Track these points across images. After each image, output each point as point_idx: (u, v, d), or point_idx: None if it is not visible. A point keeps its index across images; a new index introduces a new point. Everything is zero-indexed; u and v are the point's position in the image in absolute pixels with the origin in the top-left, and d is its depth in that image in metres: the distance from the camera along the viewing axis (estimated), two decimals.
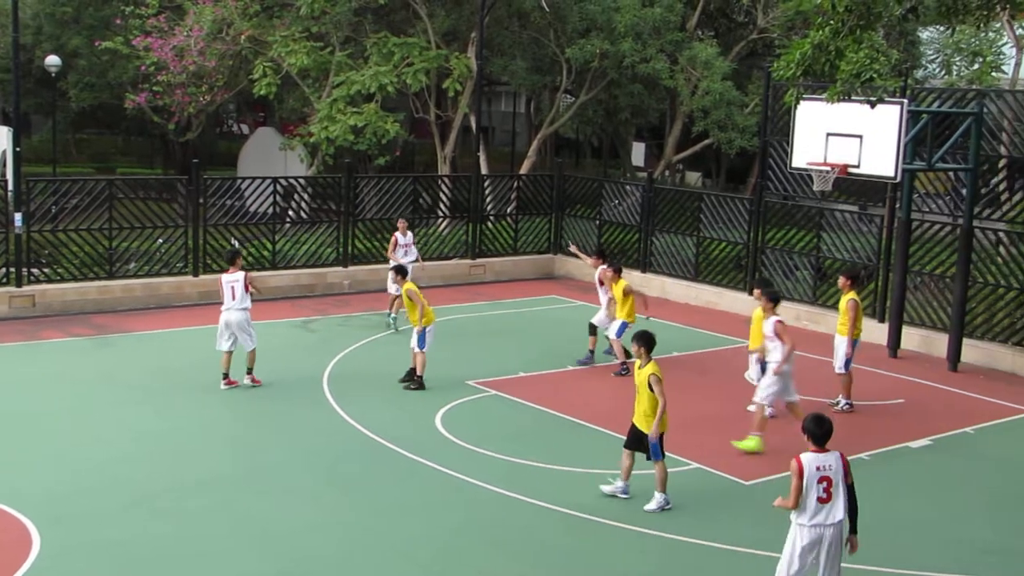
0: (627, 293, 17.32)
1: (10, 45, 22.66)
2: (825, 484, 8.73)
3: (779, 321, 14.33)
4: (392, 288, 19.21)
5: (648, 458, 11.73)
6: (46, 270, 20.87)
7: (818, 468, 8.75)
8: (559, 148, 45.86)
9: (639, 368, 11.87)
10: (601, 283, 17.86)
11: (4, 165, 25.79)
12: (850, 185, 20.44)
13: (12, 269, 20.19)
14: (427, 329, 16.02)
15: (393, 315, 19.77)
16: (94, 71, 35.50)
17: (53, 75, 34.88)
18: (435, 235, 25.91)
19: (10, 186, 20.19)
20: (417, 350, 16.11)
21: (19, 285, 20.20)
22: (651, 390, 11.59)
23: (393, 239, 20.75)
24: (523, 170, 31.00)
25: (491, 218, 26.91)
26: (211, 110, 32.46)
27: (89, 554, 10.39)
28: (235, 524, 11.17)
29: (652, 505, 11.82)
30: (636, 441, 11.92)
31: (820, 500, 8.72)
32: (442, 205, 26.70)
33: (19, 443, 13.34)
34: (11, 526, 10.87)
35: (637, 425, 11.85)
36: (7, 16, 22.13)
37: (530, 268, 26.40)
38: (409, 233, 20.99)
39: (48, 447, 13.24)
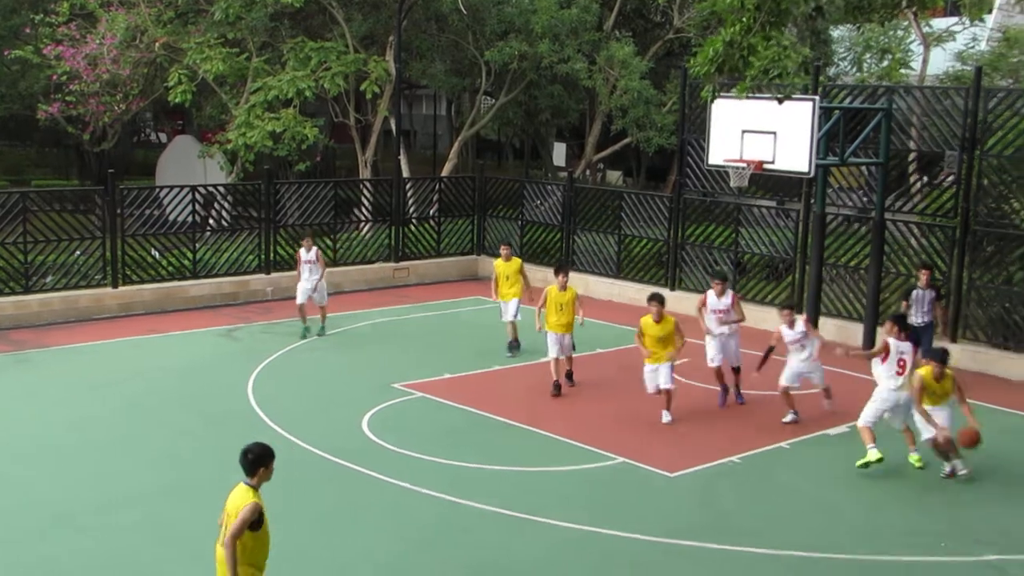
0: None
1: None
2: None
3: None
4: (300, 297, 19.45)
5: None
6: None
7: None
8: (481, 150, 45.96)
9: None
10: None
11: None
12: (766, 181, 20.87)
13: None
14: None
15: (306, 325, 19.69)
16: (4, 81, 34.73)
17: None
18: (358, 239, 25.86)
19: None
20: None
21: None
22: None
23: (297, 255, 20.05)
24: (445, 172, 31.03)
25: (414, 221, 26.91)
26: (127, 119, 31.95)
27: (13, 574, 10.22)
28: (161, 539, 11.05)
29: None
30: None
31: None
32: (364, 209, 26.65)
33: None
34: None
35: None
36: None
37: (454, 270, 26.46)
38: (315, 249, 19.83)
39: None
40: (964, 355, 18.15)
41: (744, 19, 11.90)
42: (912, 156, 20.79)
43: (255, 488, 8.07)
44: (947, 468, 13.01)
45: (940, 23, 29.17)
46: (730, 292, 16.10)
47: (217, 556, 8.06)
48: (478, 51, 29.36)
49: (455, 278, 26.12)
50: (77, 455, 13.46)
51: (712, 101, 17.57)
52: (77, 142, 33.37)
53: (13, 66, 32.00)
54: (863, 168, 20.54)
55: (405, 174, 28.68)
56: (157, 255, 22.83)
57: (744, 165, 17.74)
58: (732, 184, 18.74)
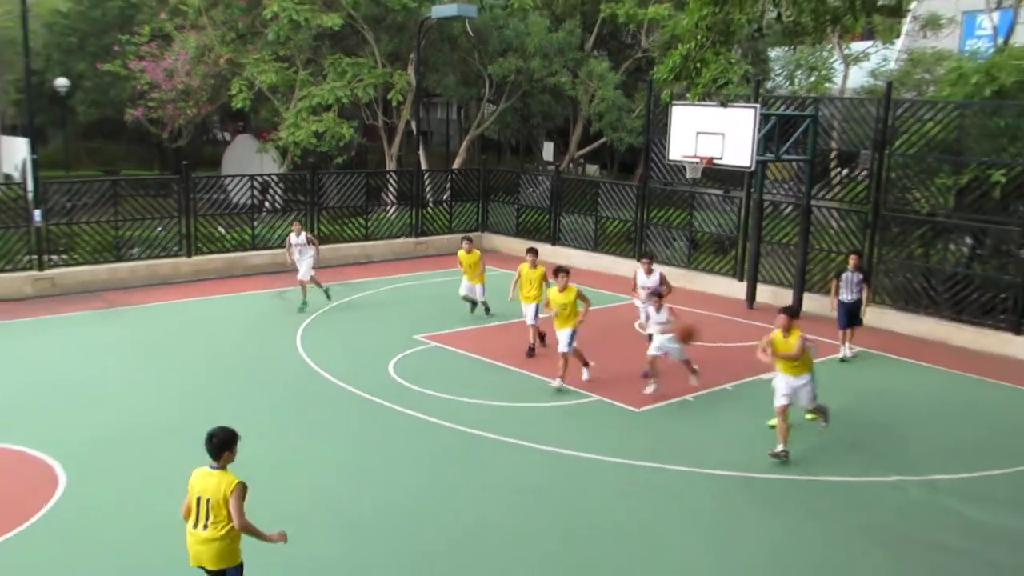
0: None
1: (24, 71, 21.99)
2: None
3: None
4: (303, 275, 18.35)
5: None
6: (63, 256, 20.39)
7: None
8: (484, 147, 45.64)
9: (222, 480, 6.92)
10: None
11: (24, 170, 25.07)
12: (716, 173, 20.78)
13: (34, 256, 19.72)
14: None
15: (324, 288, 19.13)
16: (98, 90, 34.60)
17: (63, 94, 33.94)
18: (385, 218, 25.82)
19: (30, 187, 19.69)
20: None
21: (41, 269, 19.72)
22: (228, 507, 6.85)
23: (288, 240, 18.84)
24: (455, 165, 30.90)
25: (430, 204, 26.83)
26: (197, 121, 31.82)
27: (105, 489, 10.27)
28: None
29: None
30: None
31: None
32: (390, 194, 26.57)
33: (45, 399, 13.10)
34: (40, 467, 10.72)
35: (200, 564, 6.98)
36: (20, 46, 21.45)
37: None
38: (304, 234, 18.66)
39: (69, 401, 13.01)
40: (873, 316, 18.13)
41: (698, 37, 11.84)
42: (833, 154, 20.73)
43: (223, 470, 6.90)
44: (779, 447, 11.34)
45: (858, 46, 28.96)
46: (658, 271, 14.95)
47: (203, 537, 6.85)
48: (482, 66, 29.17)
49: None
50: (157, 390, 13.49)
51: (671, 103, 17.52)
52: (157, 140, 33.24)
53: (105, 77, 31.84)
54: (794, 163, 20.48)
55: (423, 166, 28.56)
56: (223, 231, 22.77)
57: (698, 160, 17.70)
58: (688, 176, 18.68)
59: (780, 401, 11.39)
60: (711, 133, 17.48)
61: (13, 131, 35.96)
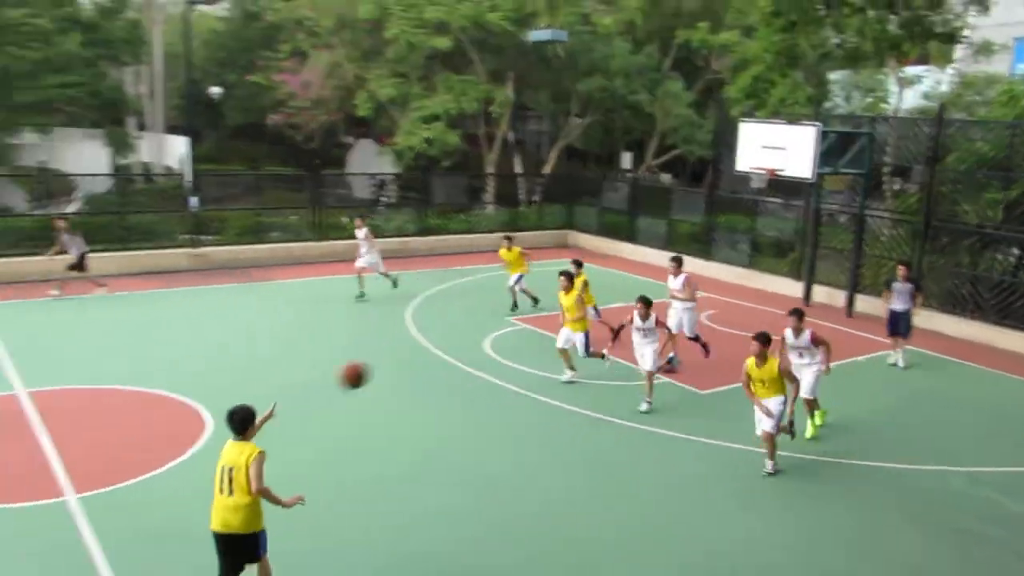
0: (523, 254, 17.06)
1: (186, 82, 22.70)
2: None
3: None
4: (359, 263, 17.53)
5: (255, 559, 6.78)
6: (214, 236, 21.03)
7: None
8: (571, 155, 45.26)
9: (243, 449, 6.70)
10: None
11: (183, 164, 25.93)
12: (778, 183, 20.17)
13: (190, 236, 20.38)
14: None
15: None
16: (245, 98, 35.50)
17: (217, 100, 34.98)
18: (484, 216, 25.88)
19: (188, 178, 20.35)
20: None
21: (195, 247, 20.37)
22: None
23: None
24: (546, 171, 30.78)
25: (524, 204, 26.78)
26: (327, 126, 32.40)
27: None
28: (338, 409, 11.22)
29: None
30: (234, 552, 6.68)
31: None
32: (489, 194, 26.63)
33: (195, 355, 13.53)
34: (190, 412, 11.09)
35: (229, 530, 6.61)
36: (183, 60, 22.31)
37: (551, 239, 26.31)
38: (365, 229, 17.57)
39: (215, 357, 13.43)
40: (922, 319, 17.34)
41: (767, 61, 11.54)
42: (887, 169, 19.94)
43: (245, 442, 6.67)
44: (768, 465, 9.94)
45: (913, 69, 27.74)
46: (684, 274, 13.57)
47: (231, 504, 6.55)
48: (571, 84, 28.94)
49: (552, 245, 25.96)
50: (288, 351, 13.75)
51: (739, 119, 17.04)
52: (293, 141, 33.97)
53: (251, 87, 32.64)
54: (850, 175, 19.76)
55: (518, 171, 28.52)
56: (347, 220, 23.15)
57: (763, 172, 17.22)
58: (753, 185, 18.21)
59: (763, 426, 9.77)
60: (775, 147, 16.96)
61: (174, 131, 37.26)
